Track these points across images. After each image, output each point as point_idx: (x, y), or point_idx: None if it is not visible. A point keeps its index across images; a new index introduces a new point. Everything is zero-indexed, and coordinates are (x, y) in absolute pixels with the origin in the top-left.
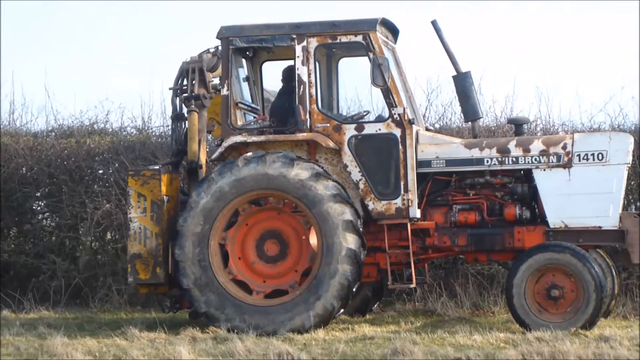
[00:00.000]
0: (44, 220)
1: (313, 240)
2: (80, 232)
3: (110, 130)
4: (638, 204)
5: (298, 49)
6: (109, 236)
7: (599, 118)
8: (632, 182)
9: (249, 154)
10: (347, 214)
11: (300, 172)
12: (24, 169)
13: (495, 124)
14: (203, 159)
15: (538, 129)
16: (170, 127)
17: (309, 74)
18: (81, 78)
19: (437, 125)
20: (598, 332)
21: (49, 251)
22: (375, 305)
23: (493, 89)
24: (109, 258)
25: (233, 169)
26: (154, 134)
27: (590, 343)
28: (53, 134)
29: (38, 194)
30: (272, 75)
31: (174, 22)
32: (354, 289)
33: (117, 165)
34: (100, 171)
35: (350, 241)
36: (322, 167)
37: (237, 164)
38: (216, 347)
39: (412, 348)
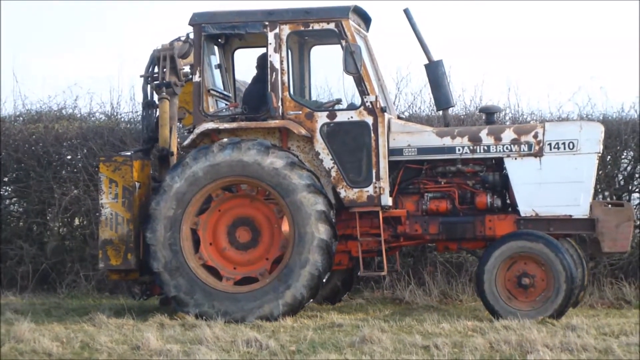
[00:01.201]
0: (12, 206)
1: (285, 228)
2: (48, 217)
3: (78, 115)
4: (606, 193)
5: (270, 36)
6: (77, 222)
7: (567, 108)
8: (600, 172)
9: (225, 140)
10: (320, 204)
11: (275, 160)
12: None
13: (464, 113)
14: (174, 146)
15: (507, 118)
16: (141, 115)
17: (282, 61)
18: (50, 63)
19: (406, 114)
20: (565, 321)
21: (16, 237)
22: (345, 295)
23: (462, 77)
24: (76, 244)
25: (208, 155)
26: (122, 120)
27: (557, 332)
28: (21, 118)
29: (5, 179)
30: (244, 63)
31: (143, 8)
32: (324, 279)
33: (85, 151)
34: (69, 157)
35: (322, 231)
36: (297, 156)
37: (212, 149)
38: (184, 334)
39: (380, 336)
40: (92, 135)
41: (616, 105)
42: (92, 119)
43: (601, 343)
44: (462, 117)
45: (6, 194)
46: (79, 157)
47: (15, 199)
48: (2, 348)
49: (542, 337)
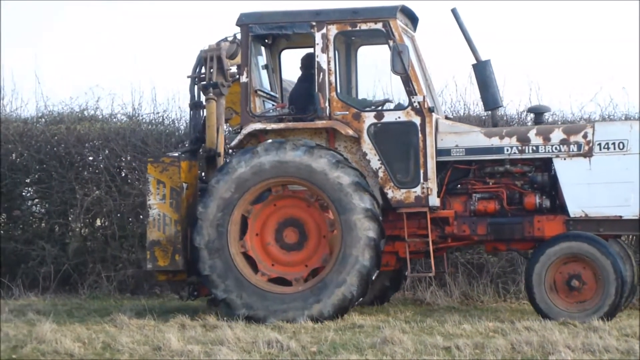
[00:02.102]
0: (34, 207)
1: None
2: (69, 218)
3: (100, 117)
4: None
5: (318, 37)
6: (98, 223)
7: (589, 108)
8: None
9: (301, 141)
10: (372, 232)
11: (342, 175)
12: (13, 155)
13: (486, 113)
14: (221, 146)
15: (528, 118)
16: (188, 115)
17: (329, 62)
18: (72, 65)
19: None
20: (587, 322)
21: (38, 237)
22: (393, 294)
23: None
24: (98, 245)
25: (279, 150)
26: (144, 120)
27: (579, 333)
28: (43, 120)
29: (28, 180)
30: (290, 63)
31: (164, 9)
32: (355, 303)
33: (107, 152)
34: (90, 158)
35: (367, 258)
36: (361, 174)
37: (285, 146)
38: (205, 335)
39: (401, 337)
40: (114, 136)
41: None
42: (114, 120)
43: (623, 344)
44: (484, 118)
45: (28, 195)
46: (101, 158)
47: (37, 200)
48: (24, 349)
49: (564, 338)
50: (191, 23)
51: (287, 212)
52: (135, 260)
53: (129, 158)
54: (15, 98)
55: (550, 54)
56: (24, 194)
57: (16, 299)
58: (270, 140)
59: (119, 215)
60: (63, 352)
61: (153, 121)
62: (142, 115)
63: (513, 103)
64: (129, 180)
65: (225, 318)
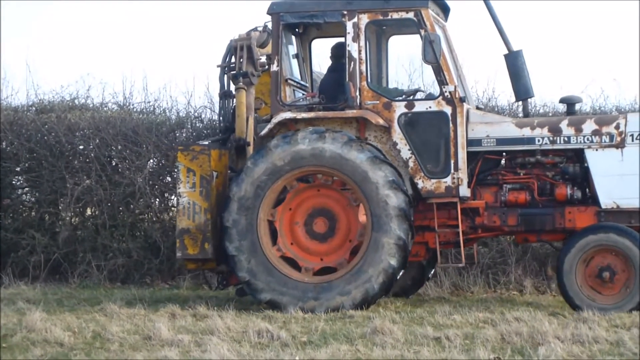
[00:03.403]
0: (24, 195)
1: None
2: (60, 207)
3: (91, 105)
4: None
5: (349, 25)
6: (89, 212)
7: (601, 102)
8: None
9: (340, 133)
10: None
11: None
12: (3, 143)
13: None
14: (251, 136)
15: (519, 110)
16: (218, 104)
17: (360, 51)
18: (63, 53)
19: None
20: (576, 313)
21: (28, 226)
22: (416, 292)
23: (474, 70)
24: (88, 234)
25: (317, 140)
26: (135, 110)
27: (568, 324)
28: (33, 108)
29: (18, 169)
30: (320, 53)
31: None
32: (377, 300)
33: (97, 141)
34: (81, 147)
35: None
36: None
37: (325, 135)
38: (196, 324)
39: (391, 327)
40: (105, 125)
41: (629, 98)
42: (105, 109)
43: (612, 335)
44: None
45: (18, 183)
46: (91, 147)
47: (27, 188)
48: (14, 338)
49: (554, 329)
50: (182, 12)
51: (327, 202)
52: (125, 249)
53: (119, 147)
54: (5, 86)
55: (540, 46)
56: (14, 182)
57: (6, 288)
58: (309, 129)
59: (109, 204)
60: (53, 341)
61: (144, 110)
62: (133, 104)
63: (504, 94)
64: (120, 170)
65: (215, 307)
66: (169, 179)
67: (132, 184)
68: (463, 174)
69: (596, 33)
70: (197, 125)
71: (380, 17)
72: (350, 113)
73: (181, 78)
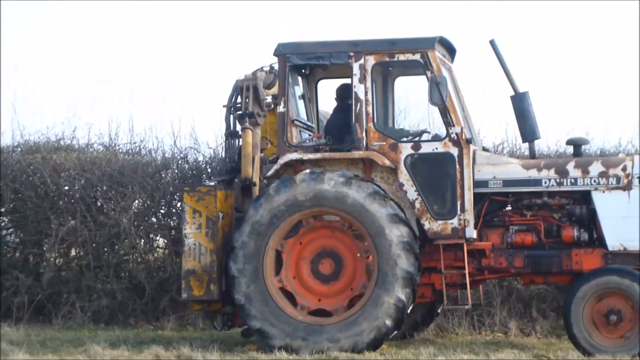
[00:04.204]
0: (8, 236)
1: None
2: (44, 248)
3: (76, 146)
4: None
5: (355, 67)
6: (73, 252)
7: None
8: None
9: (367, 182)
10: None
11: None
12: None
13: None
14: (257, 176)
15: (505, 151)
16: (223, 145)
17: (366, 92)
18: (48, 95)
19: None
20: (561, 355)
21: (12, 267)
22: (424, 330)
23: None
24: (73, 275)
25: (343, 184)
26: (120, 150)
27: None
28: (19, 149)
29: (2, 210)
30: (325, 93)
31: (141, 36)
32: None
33: (83, 181)
34: (66, 187)
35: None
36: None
37: (352, 182)
38: None
39: None
40: (90, 166)
41: (613, 140)
42: (90, 149)
43: None
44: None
45: (3, 224)
46: (77, 187)
47: (12, 229)
48: None
49: None
50: (170, 53)
51: (338, 246)
52: (110, 290)
53: (105, 188)
54: None
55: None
56: None
57: None
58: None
59: (94, 245)
60: None
61: (130, 151)
62: (118, 145)
63: (490, 136)
64: (105, 210)
65: (199, 348)
66: (154, 219)
67: (117, 224)
68: (469, 215)
69: (581, 75)
70: (183, 166)
71: (387, 59)
72: (356, 154)
73: (167, 119)
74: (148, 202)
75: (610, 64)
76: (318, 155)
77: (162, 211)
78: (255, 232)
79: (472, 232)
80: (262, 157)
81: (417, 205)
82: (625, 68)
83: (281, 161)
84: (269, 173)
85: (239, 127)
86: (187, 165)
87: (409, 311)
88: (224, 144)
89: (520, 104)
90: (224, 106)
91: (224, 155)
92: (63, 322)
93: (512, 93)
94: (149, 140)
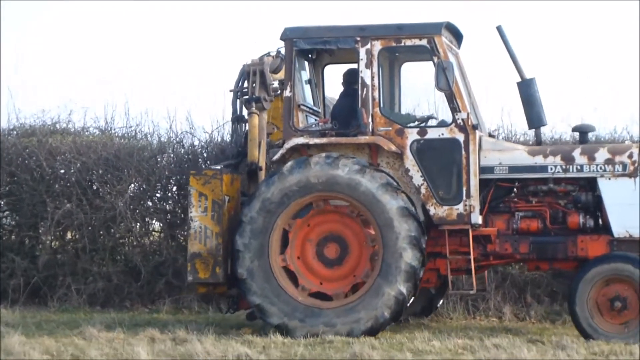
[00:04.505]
0: (4, 219)
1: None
2: (40, 231)
3: (72, 130)
4: None
5: (362, 52)
6: (69, 236)
7: (560, 128)
8: None
9: (380, 173)
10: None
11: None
12: None
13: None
14: (263, 161)
15: (500, 137)
16: (230, 129)
17: (372, 77)
18: (45, 77)
19: None
20: (555, 340)
21: (8, 250)
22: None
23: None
24: (68, 258)
25: (357, 172)
26: (116, 134)
27: (547, 351)
28: (15, 132)
29: None
30: (332, 79)
31: (138, 23)
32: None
33: (78, 165)
34: (62, 171)
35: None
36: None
37: (366, 170)
38: (175, 349)
39: (370, 352)
40: (86, 149)
41: (609, 127)
42: (86, 133)
43: None
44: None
45: None
46: (72, 171)
47: (7, 212)
48: None
49: (532, 356)
50: (164, 38)
51: (346, 232)
52: (105, 273)
53: (100, 172)
54: None
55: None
56: None
57: None
58: (354, 159)
59: (89, 228)
60: None
61: (126, 135)
62: (114, 129)
63: (488, 123)
64: (101, 194)
65: (195, 331)
66: (149, 203)
67: (113, 208)
68: (475, 201)
69: (578, 62)
70: (179, 150)
71: (394, 44)
72: (362, 139)
73: (163, 103)
74: (144, 186)
75: (609, 62)
76: (324, 140)
77: (157, 195)
78: (265, 209)
79: (477, 218)
80: (269, 141)
81: (423, 190)
82: (624, 67)
83: (287, 146)
84: (275, 157)
85: (245, 112)
86: (182, 150)
87: (408, 304)
88: (230, 128)
89: (526, 90)
90: (230, 90)
91: (230, 140)
92: (59, 305)
93: (519, 79)
94: (144, 124)
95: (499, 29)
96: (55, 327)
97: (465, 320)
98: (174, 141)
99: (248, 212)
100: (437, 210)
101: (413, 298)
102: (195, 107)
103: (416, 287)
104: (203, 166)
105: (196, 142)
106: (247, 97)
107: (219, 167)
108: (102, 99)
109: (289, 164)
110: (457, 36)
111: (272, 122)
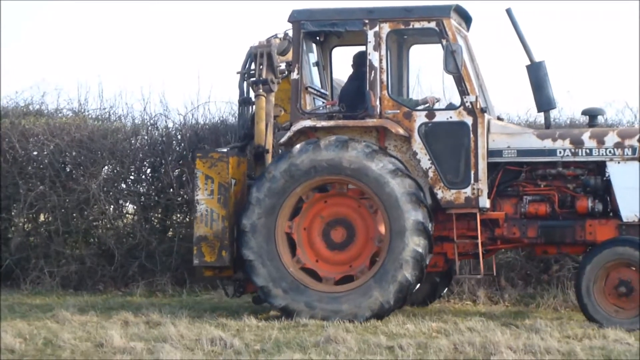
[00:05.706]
0: None
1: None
2: (12, 213)
3: (45, 111)
4: None
5: (370, 34)
6: (42, 218)
7: (535, 111)
8: None
9: (390, 158)
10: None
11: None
12: None
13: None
14: (269, 143)
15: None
16: (237, 111)
17: (380, 60)
18: (17, 59)
19: None
20: (529, 323)
21: None
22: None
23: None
24: (41, 240)
25: (366, 157)
26: (90, 116)
27: (521, 334)
28: None
29: None
30: (340, 61)
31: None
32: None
33: (52, 147)
34: (35, 153)
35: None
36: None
37: (375, 156)
38: (149, 332)
39: (345, 336)
40: (59, 131)
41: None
42: (59, 115)
43: (564, 346)
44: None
45: None
46: (45, 153)
47: None
48: None
49: (506, 339)
50: (140, 18)
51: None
52: (78, 256)
53: (74, 154)
54: None
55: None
56: None
57: None
58: (364, 142)
59: (63, 210)
60: (4, 347)
61: (99, 117)
62: (88, 111)
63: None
64: (74, 176)
65: (168, 314)
66: (123, 185)
67: (87, 190)
68: (483, 184)
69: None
70: (153, 132)
71: (402, 27)
72: (370, 122)
73: (137, 85)
74: (117, 168)
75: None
76: (331, 123)
77: (131, 177)
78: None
79: (485, 202)
80: (276, 124)
81: (431, 174)
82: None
83: (294, 128)
84: (282, 140)
85: (252, 94)
86: (157, 132)
87: (413, 291)
88: (237, 110)
89: (536, 73)
90: (237, 73)
91: (237, 122)
92: (31, 288)
93: (528, 62)
94: (118, 106)
95: (508, 11)
96: (28, 310)
97: (440, 304)
98: (148, 123)
99: (256, 194)
100: (444, 194)
101: (418, 285)
102: (170, 89)
103: (423, 274)
104: (205, 147)
105: (170, 125)
106: (254, 79)
107: (225, 150)
108: (75, 79)
109: (299, 145)
110: (466, 19)
111: (279, 105)
